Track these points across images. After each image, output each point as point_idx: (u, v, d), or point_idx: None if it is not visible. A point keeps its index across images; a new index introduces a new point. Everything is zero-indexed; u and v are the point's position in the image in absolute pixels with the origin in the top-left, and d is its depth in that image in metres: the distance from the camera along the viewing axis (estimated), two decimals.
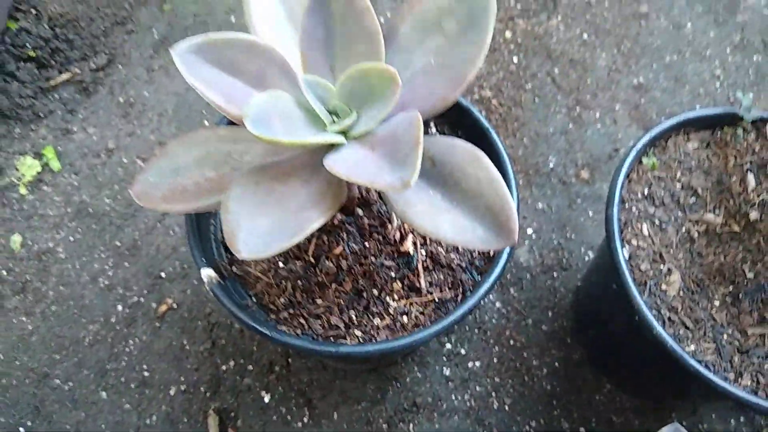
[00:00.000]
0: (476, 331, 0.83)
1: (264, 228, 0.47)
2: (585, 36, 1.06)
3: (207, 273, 0.59)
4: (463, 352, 0.82)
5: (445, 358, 0.82)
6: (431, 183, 0.51)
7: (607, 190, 0.92)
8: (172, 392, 0.80)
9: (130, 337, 0.83)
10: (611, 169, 0.95)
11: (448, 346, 0.82)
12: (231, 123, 0.66)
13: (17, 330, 0.83)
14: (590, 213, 0.92)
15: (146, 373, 0.81)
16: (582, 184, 0.94)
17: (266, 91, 0.50)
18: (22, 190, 0.90)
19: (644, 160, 0.66)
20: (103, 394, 0.80)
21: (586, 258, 0.89)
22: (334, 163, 0.47)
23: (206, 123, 0.97)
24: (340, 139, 0.50)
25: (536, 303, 0.86)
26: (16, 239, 0.87)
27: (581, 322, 0.84)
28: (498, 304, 0.85)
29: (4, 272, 0.86)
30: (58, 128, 0.95)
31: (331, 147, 0.51)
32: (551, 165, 0.95)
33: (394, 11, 1.04)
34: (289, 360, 0.82)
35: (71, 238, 0.88)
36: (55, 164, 0.92)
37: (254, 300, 0.63)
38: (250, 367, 0.81)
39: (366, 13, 0.49)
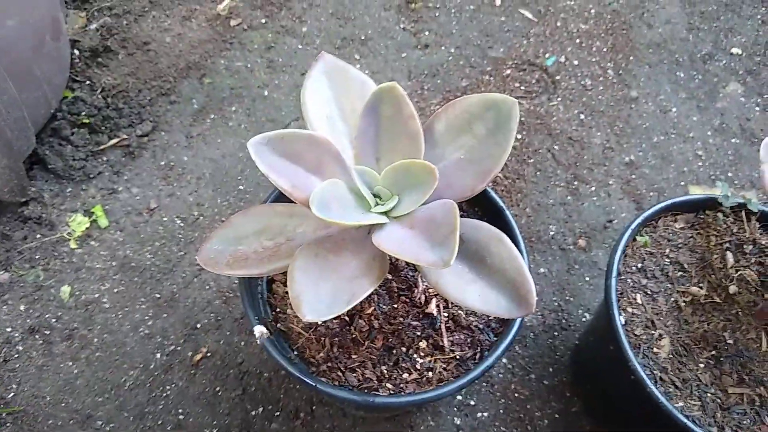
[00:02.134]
0: (485, 384, 0.92)
1: (324, 294, 0.56)
2: (582, 116, 1.18)
3: (259, 329, 0.68)
4: (472, 403, 0.90)
5: (456, 409, 0.90)
6: (460, 257, 0.61)
7: (602, 258, 1.03)
8: None
9: (167, 383, 0.90)
10: (606, 238, 1.05)
11: (459, 397, 0.90)
12: (279, 198, 0.76)
13: (64, 374, 0.90)
14: (587, 278, 1.01)
15: (181, 417, 0.88)
16: (579, 252, 1.04)
17: (325, 180, 0.59)
18: (72, 245, 0.99)
19: (638, 237, 0.76)
20: None
21: (583, 319, 0.98)
22: (382, 241, 0.56)
23: (241, 188, 1.06)
24: (384, 219, 0.60)
25: (539, 359, 0.94)
26: (65, 290, 0.95)
27: (579, 377, 0.92)
28: (504, 360, 0.94)
29: (54, 320, 0.93)
30: (105, 188, 1.05)
31: (376, 225, 0.60)
32: (551, 233, 1.05)
33: (432, 113, 1.16)
34: (313, 407, 0.89)
35: (115, 290, 0.97)
36: (103, 221, 1.01)
37: (296, 354, 0.71)
38: (278, 413, 0.89)
39: (411, 118, 0.60)
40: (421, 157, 0.60)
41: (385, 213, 0.61)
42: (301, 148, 0.61)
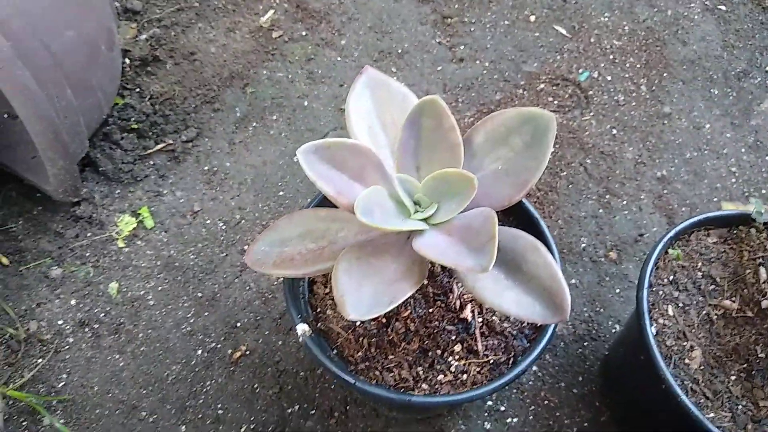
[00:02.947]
0: (515, 390, 0.93)
1: (366, 295, 0.59)
2: (614, 131, 1.20)
3: (302, 328, 0.71)
4: (502, 408, 0.92)
5: (486, 414, 0.92)
6: (496, 264, 0.62)
7: (632, 271, 1.04)
8: (242, 430, 0.90)
9: (207, 379, 0.94)
10: (637, 251, 1.07)
11: (490, 402, 0.92)
12: (321, 204, 0.79)
13: (111, 366, 0.94)
14: (617, 290, 1.03)
15: (220, 412, 0.92)
16: (610, 264, 1.05)
17: (368, 187, 0.63)
18: (120, 244, 1.04)
19: (670, 251, 0.77)
20: (183, 428, 0.90)
21: (614, 330, 0.99)
22: (423, 246, 0.59)
23: (281, 193, 1.10)
24: (424, 225, 0.63)
25: (568, 368, 0.96)
26: (113, 286, 1.00)
27: (608, 386, 0.93)
28: (534, 368, 0.95)
29: (102, 314, 0.98)
30: (151, 191, 1.09)
31: (414, 231, 0.63)
32: (583, 245, 1.07)
33: (466, 125, 1.19)
34: (347, 407, 0.92)
35: (159, 288, 1.01)
36: (149, 222, 1.06)
37: (335, 353, 0.74)
38: (313, 412, 0.91)
39: (451, 130, 0.63)
40: (460, 167, 0.63)
41: (424, 220, 0.64)
42: (345, 157, 0.64)
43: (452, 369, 0.72)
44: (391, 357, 0.73)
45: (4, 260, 1.00)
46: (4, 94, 0.85)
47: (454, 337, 0.74)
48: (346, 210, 0.61)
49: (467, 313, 0.75)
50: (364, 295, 0.59)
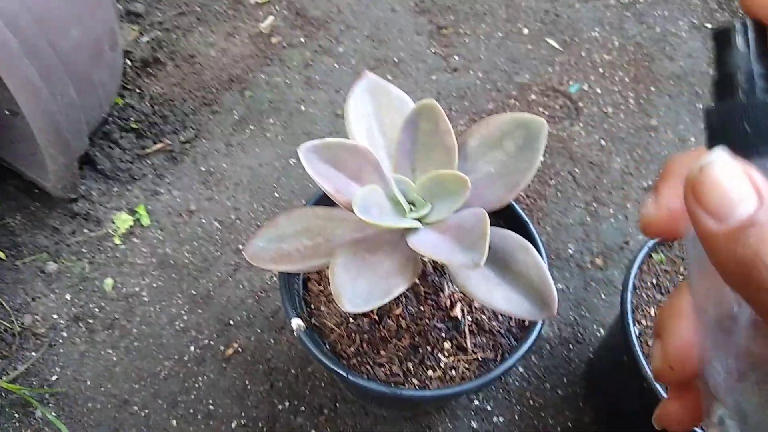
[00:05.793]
0: (501, 390, 0.96)
1: (362, 289, 0.61)
2: (603, 142, 1.23)
3: (297, 322, 0.73)
4: (488, 408, 0.94)
5: (473, 413, 0.94)
6: (487, 262, 0.65)
7: (617, 276, 1.07)
8: (233, 425, 0.92)
9: (199, 375, 0.95)
10: (622, 258, 1.10)
11: (476, 402, 0.95)
12: (318, 203, 0.82)
13: (104, 360, 0.96)
14: (602, 295, 1.06)
15: (212, 407, 0.93)
16: (596, 270, 1.08)
17: (365, 186, 0.65)
18: (117, 241, 1.05)
19: (654, 255, 0.80)
20: (174, 422, 0.92)
21: (598, 334, 1.02)
22: (417, 244, 0.61)
23: (276, 195, 1.12)
24: (418, 224, 0.65)
25: (554, 370, 0.98)
26: (108, 282, 1.01)
27: (593, 388, 0.96)
28: (521, 369, 0.98)
29: (97, 310, 0.99)
30: (148, 189, 1.11)
31: (408, 229, 0.66)
32: (570, 251, 1.10)
33: (459, 133, 1.22)
34: (337, 404, 0.94)
35: (154, 285, 1.02)
36: (145, 220, 1.07)
37: (329, 347, 0.76)
38: (303, 408, 0.93)
39: (446, 133, 0.65)
40: (454, 168, 0.65)
41: (419, 219, 0.66)
42: (344, 156, 0.66)
43: (442, 365, 0.74)
44: (382, 353, 0.75)
45: (1, 254, 1.02)
46: (8, 90, 0.87)
47: (443, 335, 0.76)
48: (344, 207, 0.63)
49: (457, 312, 0.77)
50: (360, 289, 0.61)
